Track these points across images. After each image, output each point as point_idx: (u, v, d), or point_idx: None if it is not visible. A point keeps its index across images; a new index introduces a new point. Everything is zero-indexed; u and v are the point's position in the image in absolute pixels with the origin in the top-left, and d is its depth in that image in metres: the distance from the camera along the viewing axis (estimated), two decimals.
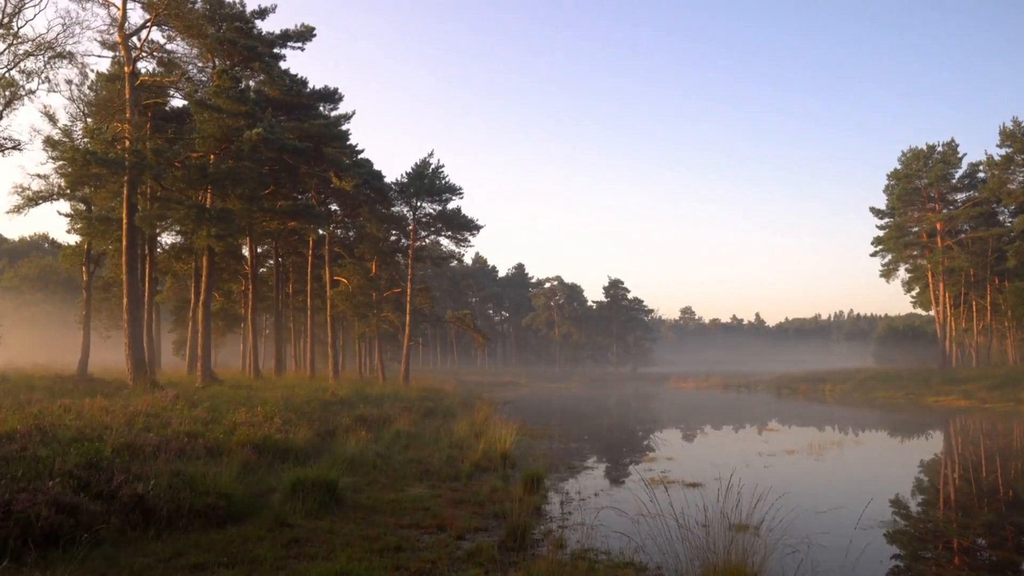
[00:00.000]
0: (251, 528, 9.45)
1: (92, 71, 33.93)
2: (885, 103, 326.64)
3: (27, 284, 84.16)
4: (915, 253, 73.63)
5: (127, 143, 27.01)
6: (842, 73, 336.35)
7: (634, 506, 13.64)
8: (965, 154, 69.36)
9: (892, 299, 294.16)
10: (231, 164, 28.22)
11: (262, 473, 12.88)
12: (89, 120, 29.99)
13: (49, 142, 29.91)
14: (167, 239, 45.58)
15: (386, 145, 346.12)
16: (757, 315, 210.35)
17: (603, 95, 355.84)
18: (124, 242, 27.95)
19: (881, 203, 76.59)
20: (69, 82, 29.57)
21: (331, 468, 13.09)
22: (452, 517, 11.34)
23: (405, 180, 45.56)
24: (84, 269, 39.53)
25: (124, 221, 27.83)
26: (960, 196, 70.71)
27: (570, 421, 34.94)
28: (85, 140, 27.95)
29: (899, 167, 73.54)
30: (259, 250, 49.94)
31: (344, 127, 36.25)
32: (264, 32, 34.01)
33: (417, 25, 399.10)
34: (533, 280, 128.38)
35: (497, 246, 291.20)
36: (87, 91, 30.12)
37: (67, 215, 36.78)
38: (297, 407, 22.11)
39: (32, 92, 28.81)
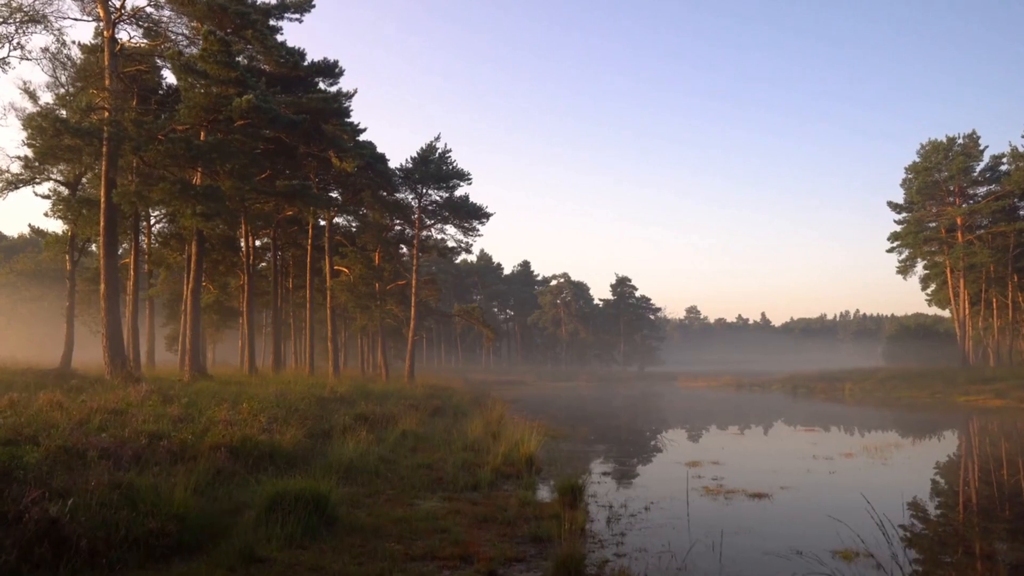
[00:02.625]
0: (205, 564, 6.90)
1: (76, 43, 31.34)
2: (892, 101, 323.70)
3: (23, 280, 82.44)
4: (933, 249, 71.06)
5: (106, 114, 24.48)
6: (848, 71, 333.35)
7: (700, 523, 11.15)
8: (987, 146, 66.73)
9: (899, 298, 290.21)
10: (220, 137, 25.62)
11: (235, 484, 10.33)
12: (69, 89, 27.40)
13: (25, 116, 27.35)
14: (159, 227, 43.30)
15: (387, 139, 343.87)
16: (763, 315, 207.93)
17: (608, 92, 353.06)
18: (102, 222, 25.38)
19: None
20: (45, 50, 27.07)
21: (324, 476, 10.60)
22: (477, 542, 8.82)
23: (410, 166, 43.02)
24: (67, 258, 37.07)
25: (102, 199, 25.25)
26: (981, 190, 68.16)
27: (586, 421, 32.37)
28: (57, 108, 25.41)
29: (917, 160, 71.08)
30: (257, 243, 47.51)
31: (345, 104, 33.71)
32: (259, 1, 31.51)
33: (420, 19, 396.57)
34: (539, 278, 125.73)
35: (502, 244, 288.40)
36: (64, 59, 27.57)
37: (45, 196, 34.30)
38: (290, 404, 19.62)
39: (4, 61, 26.35)
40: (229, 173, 25.99)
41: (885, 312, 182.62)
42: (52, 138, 23.61)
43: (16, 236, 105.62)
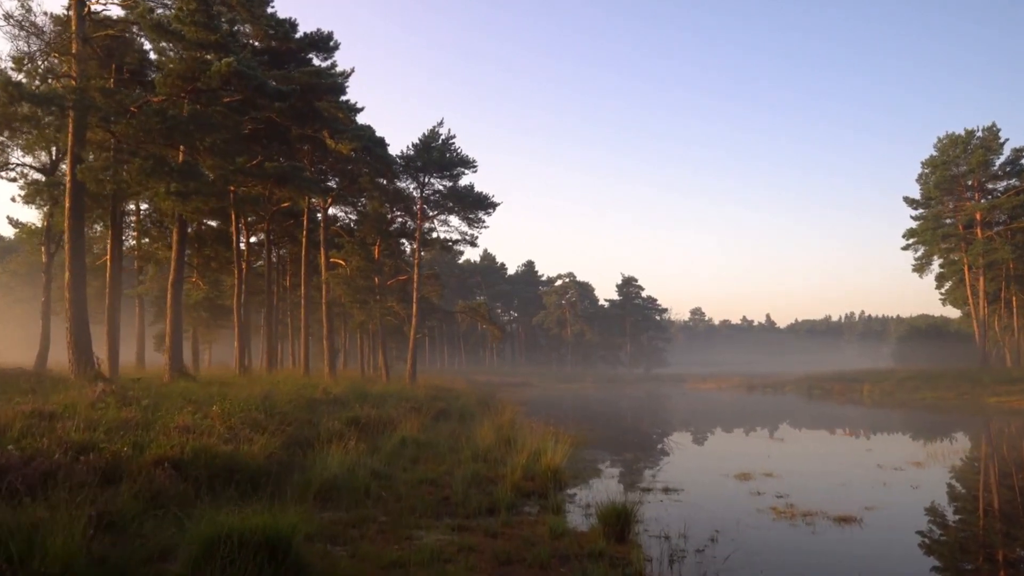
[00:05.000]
0: None
1: (48, 15, 28.77)
2: (900, 100, 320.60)
3: (17, 280, 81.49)
4: (950, 246, 68.52)
5: (72, 83, 21.94)
6: (855, 70, 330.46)
7: (788, 563, 8.56)
8: (1007, 139, 64.29)
9: (904, 300, 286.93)
10: (198, 108, 23.01)
11: (168, 517, 7.64)
12: (35, 55, 24.83)
13: None
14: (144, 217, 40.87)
15: (384, 135, 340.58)
16: (767, 316, 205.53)
17: (611, 91, 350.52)
18: (67, 202, 22.82)
19: (903, 197, 71.82)
20: (8, 16, 24.52)
21: (298, 499, 8.05)
22: None
23: (411, 153, 40.42)
24: (43, 250, 34.58)
25: (68, 177, 22.74)
26: (1000, 185, 65.79)
27: (603, 426, 29.80)
28: (17, 75, 22.86)
29: (935, 154, 68.72)
30: (253, 239, 45.06)
31: (341, 81, 31.09)
32: None
33: (419, 17, 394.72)
34: (543, 278, 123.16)
35: (505, 244, 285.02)
36: (30, 27, 24.93)
37: (12, 180, 31.77)
38: (274, 407, 17.06)
39: None
40: (211, 150, 23.37)
41: (890, 313, 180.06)
42: (6, 106, 21.09)
43: (12, 237, 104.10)
